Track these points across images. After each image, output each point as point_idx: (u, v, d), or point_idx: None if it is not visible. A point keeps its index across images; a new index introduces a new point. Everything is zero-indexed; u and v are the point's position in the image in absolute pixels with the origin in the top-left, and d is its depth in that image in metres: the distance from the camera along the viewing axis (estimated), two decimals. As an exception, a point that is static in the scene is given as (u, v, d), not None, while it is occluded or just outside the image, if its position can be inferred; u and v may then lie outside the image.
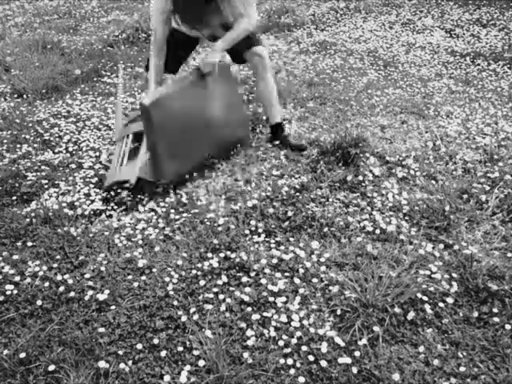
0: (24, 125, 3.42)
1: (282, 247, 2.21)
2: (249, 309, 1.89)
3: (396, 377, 1.62)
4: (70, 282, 2.04)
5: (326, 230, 2.31)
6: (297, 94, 3.85)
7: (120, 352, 1.73)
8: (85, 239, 2.29)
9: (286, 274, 2.07)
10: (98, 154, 3.03)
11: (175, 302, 1.93)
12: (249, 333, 1.79)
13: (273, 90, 2.99)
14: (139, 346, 1.75)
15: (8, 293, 1.99)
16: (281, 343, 1.75)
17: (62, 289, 2.00)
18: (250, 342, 1.75)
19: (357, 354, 1.71)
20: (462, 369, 1.66)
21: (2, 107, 3.72)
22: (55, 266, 2.14)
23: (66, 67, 4.45)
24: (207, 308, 1.90)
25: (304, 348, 1.73)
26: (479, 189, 2.55)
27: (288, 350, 1.73)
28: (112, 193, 2.62)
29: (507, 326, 1.79)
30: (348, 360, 1.68)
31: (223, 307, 1.90)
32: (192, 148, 2.67)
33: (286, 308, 1.90)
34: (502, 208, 2.42)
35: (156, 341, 1.77)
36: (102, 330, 1.81)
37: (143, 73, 4.39)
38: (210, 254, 2.17)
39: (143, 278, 2.07)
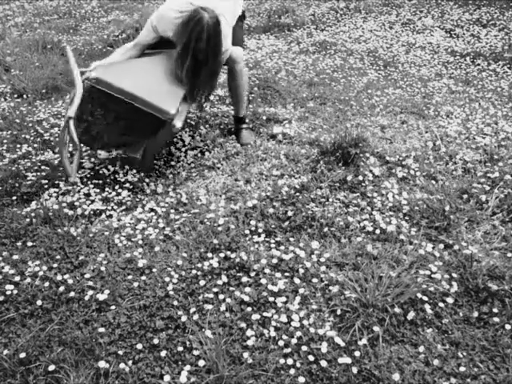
0: (24, 125, 3.42)
1: (282, 247, 2.21)
2: (249, 309, 1.89)
3: (396, 377, 1.62)
4: (70, 281, 2.04)
5: (326, 229, 2.31)
6: (297, 93, 3.85)
7: (120, 352, 1.73)
8: (85, 239, 2.29)
9: (286, 274, 2.07)
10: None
11: (175, 302, 1.93)
12: (249, 333, 1.79)
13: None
14: (139, 346, 1.75)
15: (8, 293, 1.98)
16: (281, 343, 1.75)
17: (62, 289, 2.00)
18: (250, 342, 1.75)
19: (357, 353, 1.71)
20: (462, 369, 1.66)
21: (2, 107, 3.72)
22: (55, 265, 2.14)
23: (66, 67, 4.44)
24: (207, 308, 1.90)
25: (304, 348, 1.73)
26: (479, 189, 2.55)
27: (288, 350, 1.73)
28: (112, 193, 2.63)
29: (507, 326, 1.79)
30: (348, 360, 1.68)
31: (223, 307, 1.90)
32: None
33: (286, 308, 1.91)
34: (502, 208, 2.42)
35: (156, 341, 1.77)
36: (102, 329, 1.81)
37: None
38: (210, 254, 2.17)
39: (143, 277, 2.07)
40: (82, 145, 2.67)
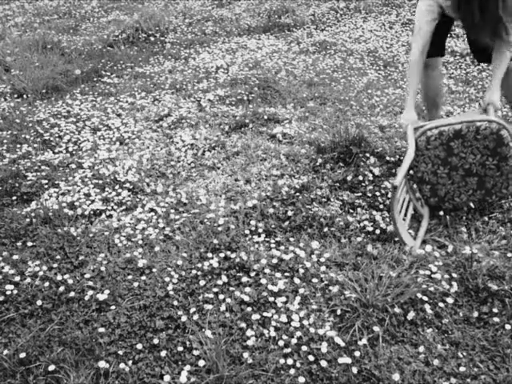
0: (24, 125, 3.42)
1: (282, 247, 2.21)
2: (249, 309, 1.89)
3: (396, 377, 1.62)
4: (70, 282, 2.04)
5: (326, 230, 2.31)
6: (297, 93, 3.85)
7: (120, 352, 1.73)
8: (85, 239, 2.29)
9: (286, 274, 2.07)
10: (96, 154, 3.03)
11: (175, 302, 1.93)
12: (249, 333, 1.79)
13: None
14: (139, 346, 1.75)
15: (8, 293, 1.98)
16: (281, 343, 1.75)
17: (62, 289, 2.00)
18: (250, 342, 1.75)
19: (357, 354, 1.70)
20: (462, 369, 1.66)
21: (2, 107, 3.72)
22: (55, 266, 2.14)
23: (66, 67, 4.45)
24: (207, 308, 1.90)
25: (304, 348, 1.73)
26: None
27: (288, 350, 1.73)
28: (112, 193, 2.63)
29: (507, 326, 1.79)
30: (348, 360, 1.68)
31: (223, 307, 1.90)
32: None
33: (286, 308, 1.90)
34: (502, 208, 2.42)
35: (156, 341, 1.77)
36: (102, 329, 1.81)
37: (144, 72, 4.40)
38: (210, 254, 2.17)
39: (143, 278, 2.07)
40: (427, 207, 2.42)
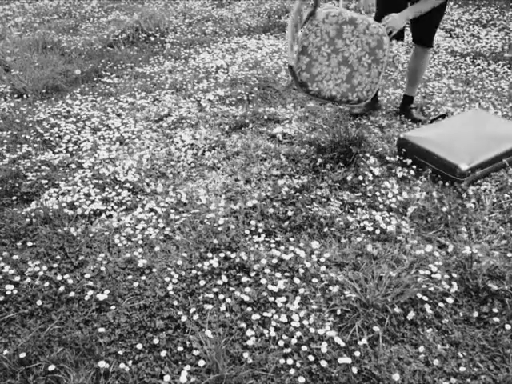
0: (24, 125, 3.42)
1: (282, 247, 2.21)
2: (249, 309, 1.90)
3: (396, 377, 1.62)
4: (70, 282, 2.04)
5: (326, 230, 2.31)
6: (297, 93, 3.84)
7: (120, 352, 1.73)
8: (85, 239, 2.29)
9: (286, 274, 2.07)
10: (96, 155, 3.04)
11: (175, 302, 1.93)
12: (249, 333, 1.79)
13: (423, 69, 3.40)
14: (139, 346, 1.75)
15: (8, 293, 1.99)
16: (281, 343, 1.75)
17: (62, 289, 2.00)
18: (250, 342, 1.75)
19: (357, 354, 1.71)
20: (462, 369, 1.66)
21: (2, 107, 3.72)
22: (55, 266, 2.14)
23: (66, 67, 4.45)
24: (207, 308, 1.91)
25: (304, 348, 1.73)
26: (479, 189, 2.55)
27: (288, 350, 1.73)
28: (112, 193, 2.63)
29: (507, 326, 1.79)
30: (348, 360, 1.68)
31: (223, 307, 1.91)
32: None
33: (286, 308, 1.91)
34: (502, 208, 2.42)
35: (156, 341, 1.77)
36: (102, 329, 1.82)
37: (144, 72, 4.40)
38: (210, 254, 2.17)
39: (143, 278, 2.07)
40: (296, 80, 2.58)
